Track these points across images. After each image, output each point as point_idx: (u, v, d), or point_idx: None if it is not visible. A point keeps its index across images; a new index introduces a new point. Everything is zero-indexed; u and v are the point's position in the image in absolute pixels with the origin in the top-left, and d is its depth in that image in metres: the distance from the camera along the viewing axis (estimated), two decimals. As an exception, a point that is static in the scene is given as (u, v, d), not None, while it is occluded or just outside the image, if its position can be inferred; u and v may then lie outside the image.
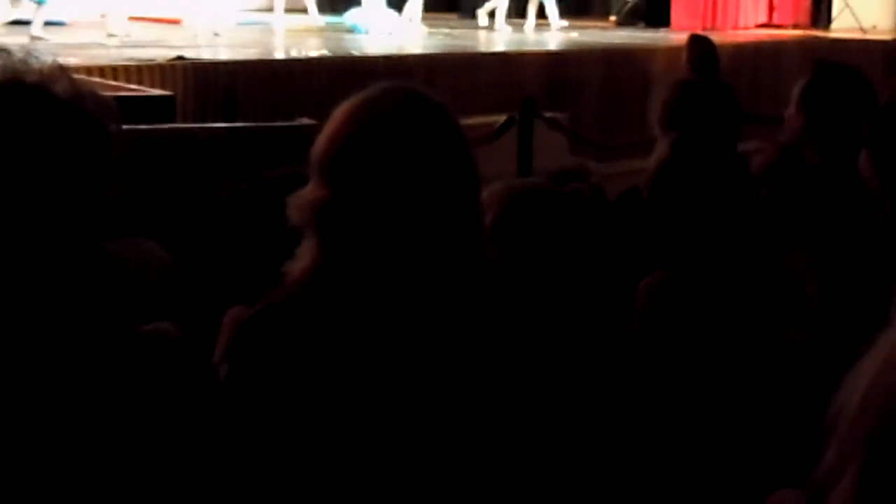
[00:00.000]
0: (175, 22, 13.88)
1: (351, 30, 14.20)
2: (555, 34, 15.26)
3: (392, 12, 14.44)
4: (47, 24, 12.32)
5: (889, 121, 3.51)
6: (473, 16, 15.89)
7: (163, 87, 9.30)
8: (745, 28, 17.29)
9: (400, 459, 1.91)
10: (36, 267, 1.70)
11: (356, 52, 12.08)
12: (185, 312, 3.47)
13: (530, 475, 1.98)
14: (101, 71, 8.87)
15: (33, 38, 11.30)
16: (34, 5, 11.91)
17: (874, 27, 16.67)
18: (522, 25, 15.68)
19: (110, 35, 12.18)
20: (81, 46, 10.70)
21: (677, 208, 2.92)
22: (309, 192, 1.98)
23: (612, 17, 17.63)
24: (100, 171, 1.74)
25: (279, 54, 11.89)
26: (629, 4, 17.44)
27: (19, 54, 1.77)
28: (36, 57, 1.77)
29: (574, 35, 15.08)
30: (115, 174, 1.76)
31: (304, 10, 14.84)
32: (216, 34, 12.94)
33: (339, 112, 2.01)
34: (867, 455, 1.31)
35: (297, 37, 13.66)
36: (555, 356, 2.13)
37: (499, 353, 2.00)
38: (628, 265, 3.30)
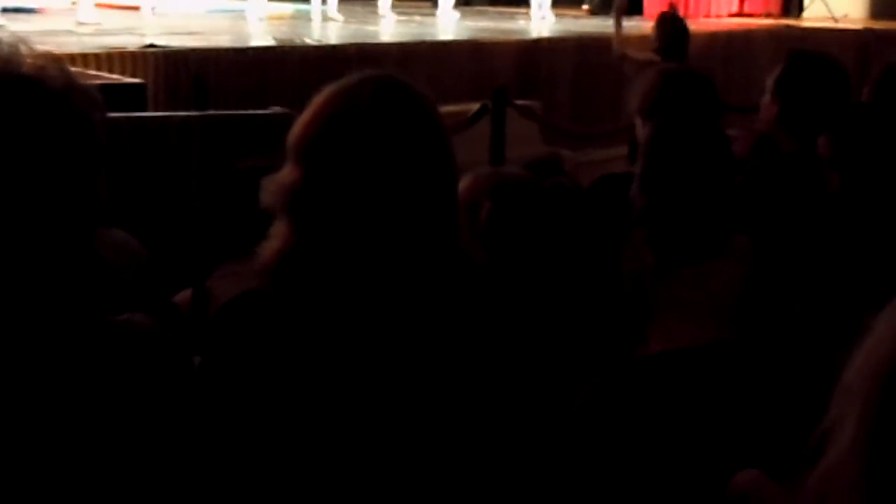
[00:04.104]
0: (134, 9, 13.79)
1: None
2: (528, 22, 15.25)
3: None
4: (17, 10, 12.24)
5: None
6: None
7: (133, 74, 9.26)
8: (718, 17, 17.31)
9: (374, 447, 1.90)
10: (20, 261, 1.68)
11: (330, 41, 12.05)
12: (156, 301, 3.46)
13: (499, 465, 1.98)
14: (72, 59, 8.82)
15: None
16: None
17: (845, 16, 16.72)
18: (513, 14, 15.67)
19: (80, 23, 12.10)
20: (51, 34, 10.63)
21: (673, 192, 2.91)
22: (284, 175, 1.97)
23: (585, 6, 17.62)
24: (88, 163, 1.72)
25: (251, 42, 11.84)
26: (602, -7, 17.45)
27: (10, 43, 1.74)
28: (27, 45, 1.74)
29: (547, 23, 15.08)
30: (101, 165, 1.74)
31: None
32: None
33: (319, 97, 2.00)
34: (867, 403, 1.31)
35: (269, 25, 13.61)
36: (525, 344, 2.12)
37: (472, 341, 2.00)
38: (608, 253, 3.30)
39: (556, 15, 15.75)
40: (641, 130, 3.84)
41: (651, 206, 2.89)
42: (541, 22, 15.34)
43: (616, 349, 2.89)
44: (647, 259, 2.87)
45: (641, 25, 14.91)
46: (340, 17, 14.09)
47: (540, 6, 15.66)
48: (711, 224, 2.85)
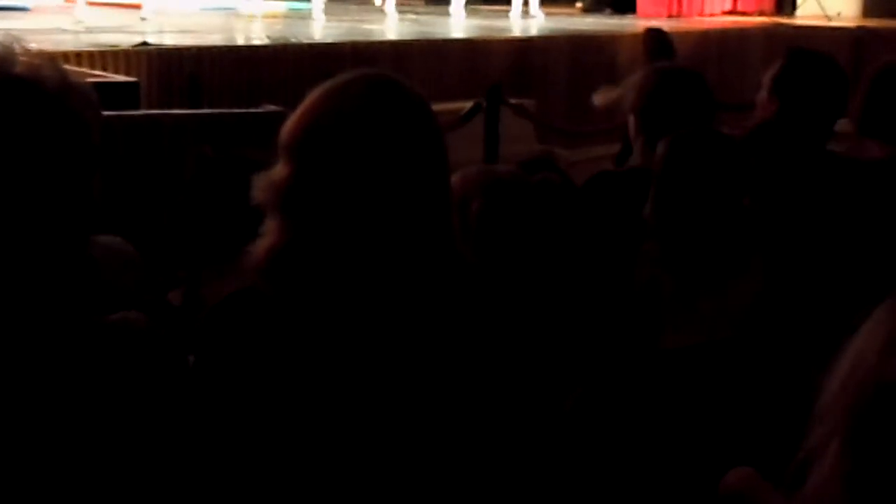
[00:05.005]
0: (136, 7, 13.80)
1: None
2: (522, 21, 15.25)
3: None
4: (10, 9, 12.23)
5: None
6: (440, 1, 15.84)
7: (127, 73, 9.25)
8: (711, 15, 17.33)
9: (367, 444, 1.90)
10: (14, 261, 1.67)
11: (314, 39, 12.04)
12: (150, 300, 3.45)
13: (491, 464, 1.98)
14: (65, 57, 8.81)
15: None
16: None
17: (838, 14, 16.74)
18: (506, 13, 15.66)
19: (76, 21, 12.12)
20: (45, 32, 10.63)
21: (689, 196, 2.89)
22: (275, 172, 1.97)
23: (579, 4, 17.65)
24: (84, 163, 1.71)
25: (244, 40, 11.85)
26: (595, -9, 17.47)
27: (3, 41, 1.73)
28: (21, 44, 1.73)
29: (541, 22, 15.10)
30: (96, 165, 1.73)
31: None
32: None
33: (311, 95, 2.00)
34: (849, 429, 1.32)
35: (262, 22, 13.61)
36: (518, 342, 2.12)
37: (464, 338, 1.99)
38: (608, 254, 3.30)
39: (550, 13, 15.75)
40: (634, 128, 3.84)
41: (668, 224, 2.87)
42: (525, 20, 15.33)
43: (618, 351, 2.88)
44: (662, 276, 2.85)
45: (635, 24, 14.93)
46: (322, 17, 14.12)
47: (525, 3, 15.65)
48: (732, 243, 2.83)
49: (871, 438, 1.31)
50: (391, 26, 14.13)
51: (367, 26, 13.76)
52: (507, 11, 15.68)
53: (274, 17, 14.32)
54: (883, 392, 1.31)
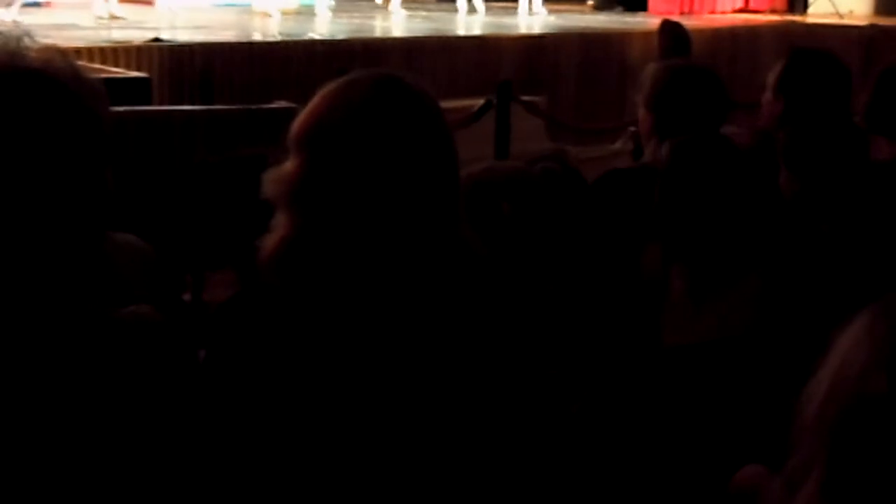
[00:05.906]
0: (148, 3, 13.83)
1: None
2: (532, 18, 15.25)
3: None
4: (24, 5, 12.26)
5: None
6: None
7: (139, 68, 9.27)
8: (723, 13, 17.30)
9: (374, 438, 1.91)
10: (29, 253, 1.68)
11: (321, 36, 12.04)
12: (162, 295, 3.47)
13: (497, 463, 1.98)
14: (77, 52, 8.82)
15: (15, 22, 11.24)
16: None
17: (850, 12, 16.70)
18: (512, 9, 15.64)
19: (100, 18, 12.14)
20: (57, 27, 10.65)
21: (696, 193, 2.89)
22: (285, 167, 1.98)
23: (590, 1, 17.62)
24: (96, 155, 1.73)
25: (256, 36, 11.86)
26: (607, -12, 17.45)
27: (15, 36, 1.74)
28: (33, 38, 1.75)
29: (552, 19, 15.09)
30: (108, 157, 1.75)
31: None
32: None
33: (322, 92, 2.01)
34: (830, 453, 1.33)
35: (274, 19, 13.62)
36: (529, 339, 2.13)
37: (473, 336, 2.00)
38: (614, 248, 3.30)
39: (561, 11, 15.73)
40: (646, 125, 3.84)
41: (671, 224, 2.88)
42: (532, 17, 15.33)
43: (623, 349, 2.88)
44: (670, 274, 2.86)
45: (647, 21, 14.91)
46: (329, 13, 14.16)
47: (530, 1, 15.64)
48: (737, 245, 2.83)
49: (855, 454, 1.31)
50: (400, 23, 14.14)
51: (377, 23, 13.77)
52: (515, 8, 15.68)
53: (286, 13, 14.33)
54: (867, 406, 1.31)
